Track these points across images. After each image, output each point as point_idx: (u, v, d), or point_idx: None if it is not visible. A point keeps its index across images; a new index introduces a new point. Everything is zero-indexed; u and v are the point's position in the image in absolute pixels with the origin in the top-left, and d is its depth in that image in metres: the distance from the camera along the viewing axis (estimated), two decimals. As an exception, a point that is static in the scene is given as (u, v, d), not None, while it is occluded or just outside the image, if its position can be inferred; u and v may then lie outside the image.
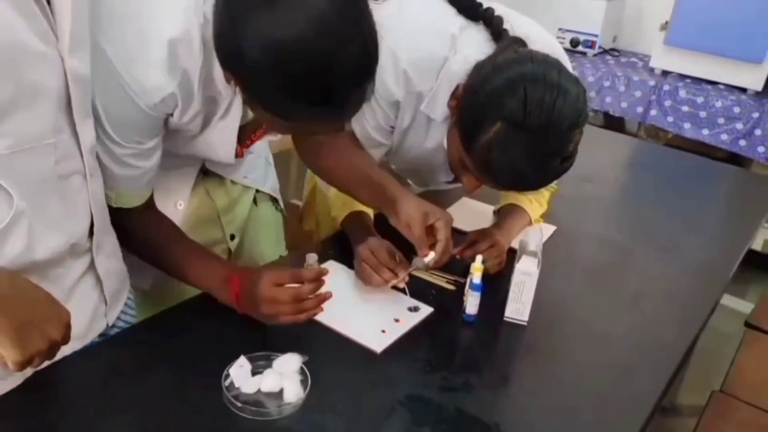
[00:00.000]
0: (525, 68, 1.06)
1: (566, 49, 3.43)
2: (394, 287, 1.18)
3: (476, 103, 1.09)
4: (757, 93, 2.91)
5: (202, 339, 1.03)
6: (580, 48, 3.26)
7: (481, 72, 1.11)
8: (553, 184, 1.47)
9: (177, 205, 1.23)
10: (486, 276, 1.16)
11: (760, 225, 1.80)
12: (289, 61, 0.78)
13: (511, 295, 1.15)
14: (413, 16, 1.24)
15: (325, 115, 0.86)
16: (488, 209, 1.52)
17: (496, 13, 1.21)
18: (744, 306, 2.65)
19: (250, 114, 1.06)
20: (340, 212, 1.34)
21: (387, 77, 1.19)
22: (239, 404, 0.89)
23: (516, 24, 1.21)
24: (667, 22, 3.01)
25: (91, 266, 0.94)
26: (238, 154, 1.11)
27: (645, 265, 1.44)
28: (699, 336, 1.27)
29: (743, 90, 2.94)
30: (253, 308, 1.01)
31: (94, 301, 0.97)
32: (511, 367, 1.11)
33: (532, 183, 1.14)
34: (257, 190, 1.40)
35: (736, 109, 2.85)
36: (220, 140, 1.06)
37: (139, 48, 0.87)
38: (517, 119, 1.02)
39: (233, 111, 1.02)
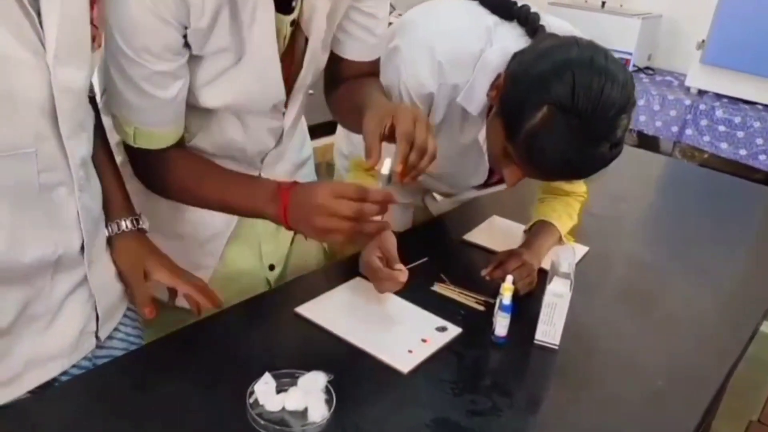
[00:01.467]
0: (571, 53, 1.03)
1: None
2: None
3: (521, 88, 1.06)
4: (796, 114, 2.85)
5: (227, 355, 1.03)
6: (613, 66, 3.21)
7: (524, 58, 1.10)
8: (584, 192, 1.45)
9: None
10: (516, 297, 1.13)
11: None
12: None
13: (542, 317, 1.12)
14: (447, 11, 1.24)
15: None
16: (518, 228, 1.49)
17: (532, 9, 1.20)
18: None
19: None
20: None
21: (421, 69, 1.18)
22: (263, 422, 0.88)
23: (551, 21, 1.21)
24: (703, 41, 2.96)
25: (84, 281, 0.94)
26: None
27: (679, 289, 1.40)
28: (737, 365, 1.22)
29: (783, 110, 2.88)
30: (305, 220, 0.94)
31: (85, 317, 0.95)
32: (540, 392, 1.08)
33: (579, 171, 1.09)
34: None
35: (776, 130, 2.79)
36: (261, 60, 1.01)
37: None
38: (566, 103, 0.99)
39: (262, 8, 0.96)
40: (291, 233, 1.33)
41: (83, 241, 0.90)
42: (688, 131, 2.97)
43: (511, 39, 1.18)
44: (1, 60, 0.73)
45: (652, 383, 1.08)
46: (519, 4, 1.22)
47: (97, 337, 0.98)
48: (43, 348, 0.89)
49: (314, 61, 1.11)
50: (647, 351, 1.17)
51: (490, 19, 1.22)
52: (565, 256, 1.16)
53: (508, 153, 1.10)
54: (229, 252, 1.24)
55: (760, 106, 2.92)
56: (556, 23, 1.22)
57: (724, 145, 2.90)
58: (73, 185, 0.86)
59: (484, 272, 1.27)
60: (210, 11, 0.92)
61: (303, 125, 1.36)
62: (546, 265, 1.28)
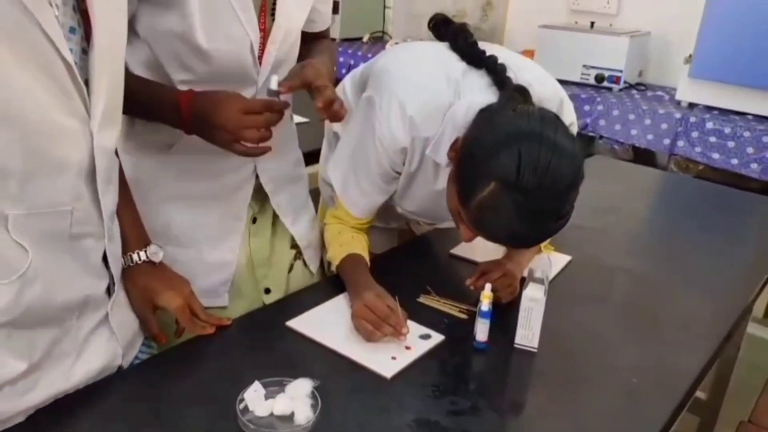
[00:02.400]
0: (521, 125, 1.08)
1: (591, 85, 3.45)
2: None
3: (472, 160, 1.11)
4: (786, 122, 2.90)
5: (222, 366, 1.09)
6: (605, 84, 3.28)
7: (478, 127, 1.14)
8: None
9: (236, 227, 1.31)
10: (498, 305, 1.19)
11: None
12: None
13: (520, 321, 1.18)
14: (418, 62, 1.30)
15: None
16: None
17: (499, 60, 1.25)
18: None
19: None
20: (336, 254, 1.36)
21: (394, 125, 1.24)
22: (252, 427, 0.94)
23: (518, 70, 1.25)
24: (691, 56, 3.03)
25: (105, 319, 1.00)
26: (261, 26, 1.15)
27: (662, 294, 1.45)
28: (714, 362, 1.27)
29: (772, 119, 2.93)
30: (208, 133, 1.10)
31: (109, 354, 1.02)
32: (519, 392, 1.14)
33: (526, 241, 1.16)
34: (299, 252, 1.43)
35: (765, 138, 2.83)
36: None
37: None
38: (511, 180, 1.03)
39: None
40: (286, 261, 1.41)
41: (109, 284, 0.98)
42: (680, 143, 3.02)
43: (477, 90, 1.23)
44: (51, 128, 0.81)
45: (628, 381, 1.13)
46: (488, 53, 1.27)
47: (120, 367, 1.06)
48: (69, 384, 0.96)
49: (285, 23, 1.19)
50: (626, 353, 1.22)
51: (459, 66, 1.27)
52: (539, 264, 1.22)
53: (462, 215, 1.15)
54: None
55: (749, 116, 2.98)
56: (525, 73, 1.26)
57: (716, 156, 2.94)
58: (103, 234, 0.94)
59: (468, 282, 1.32)
60: None
61: (293, 129, 1.43)
62: (526, 273, 1.34)
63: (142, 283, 1.08)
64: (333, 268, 1.37)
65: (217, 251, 1.29)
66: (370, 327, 1.15)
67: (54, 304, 0.89)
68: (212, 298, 1.28)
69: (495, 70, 1.25)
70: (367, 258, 1.35)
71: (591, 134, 3.23)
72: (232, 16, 1.09)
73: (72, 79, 0.81)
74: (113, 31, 0.88)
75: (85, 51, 0.85)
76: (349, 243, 1.36)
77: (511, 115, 1.12)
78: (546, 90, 1.28)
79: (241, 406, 0.97)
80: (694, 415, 2.10)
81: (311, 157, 1.73)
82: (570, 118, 1.30)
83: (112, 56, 0.88)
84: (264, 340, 1.17)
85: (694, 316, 1.37)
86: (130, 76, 1.01)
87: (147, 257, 1.09)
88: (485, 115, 1.16)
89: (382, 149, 1.28)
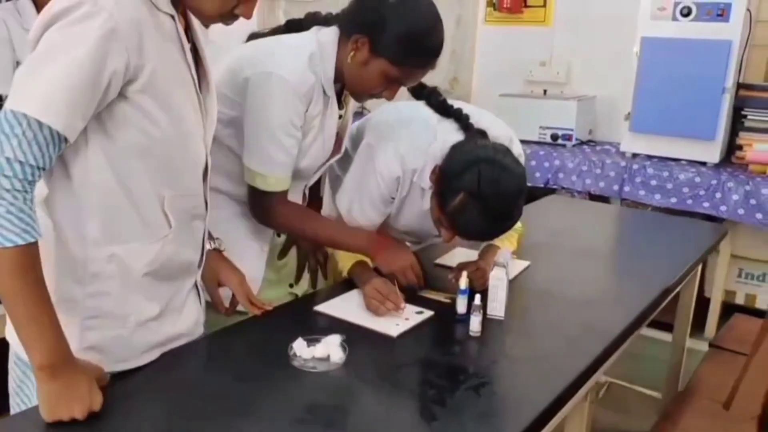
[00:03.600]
0: (480, 153, 1.55)
1: (548, 143, 3.94)
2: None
3: (446, 179, 1.56)
4: (714, 164, 3.39)
5: (273, 333, 1.47)
6: (559, 141, 3.79)
7: (451, 157, 1.60)
8: (520, 227, 1.94)
9: (262, 249, 1.71)
10: (472, 291, 1.60)
11: (687, 266, 2.15)
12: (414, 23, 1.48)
13: (489, 296, 1.58)
14: (403, 115, 1.77)
15: (425, 63, 1.53)
16: (475, 254, 1.96)
17: (464, 111, 1.74)
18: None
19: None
20: (346, 263, 1.75)
21: (390, 161, 1.68)
22: (301, 362, 1.32)
23: (477, 118, 1.74)
24: (629, 113, 3.55)
25: (194, 285, 1.39)
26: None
27: (590, 282, 1.87)
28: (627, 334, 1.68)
29: (702, 163, 3.43)
30: (390, 263, 1.65)
31: (197, 312, 1.41)
32: (490, 341, 1.52)
33: (489, 235, 1.63)
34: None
35: (698, 179, 3.32)
36: (327, 134, 1.63)
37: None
38: (474, 191, 1.49)
39: (333, 108, 1.63)
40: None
41: (201, 256, 1.36)
42: (627, 188, 3.49)
43: (450, 132, 1.70)
44: (190, 137, 1.22)
45: (570, 333, 1.54)
46: (455, 106, 1.75)
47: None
48: (176, 331, 1.33)
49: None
50: (566, 319, 1.63)
51: (434, 116, 1.75)
52: (502, 253, 1.64)
53: (442, 221, 1.60)
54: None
55: (683, 162, 3.48)
56: (483, 120, 1.74)
57: (657, 196, 3.41)
58: (205, 218, 1.34)
59: (450, 276, 1.74)
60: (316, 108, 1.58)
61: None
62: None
63: (212, 263, 1.47)
64: (345, 274, 1.78)
65: (244, 267, 1.68)
66: (376, 303, 1.55)
67: (176, 264, 1.27)
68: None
69: (460, 118, 1.72)
70: (370, 263, 1.76)
71: (552, 186, 3.71)
72: None
73: (199, 103, 1.24)
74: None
75: None
76: (355, 255, 1.77)
77: (473, 147, 1.58)
78: (500, 131, 1.74)
79: (291, 352, 1.36)
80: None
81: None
82: (518, 150, 1.76)
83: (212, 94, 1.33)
84: (299, 319, 1.55)
85: (614, 297, 1.79)
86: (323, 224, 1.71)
87: (217, 246, 1.49)
88: (455, 147, 1.61)
89: (382, 180, 1.71)
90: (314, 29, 1.62)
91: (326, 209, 2.05)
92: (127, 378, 1.24)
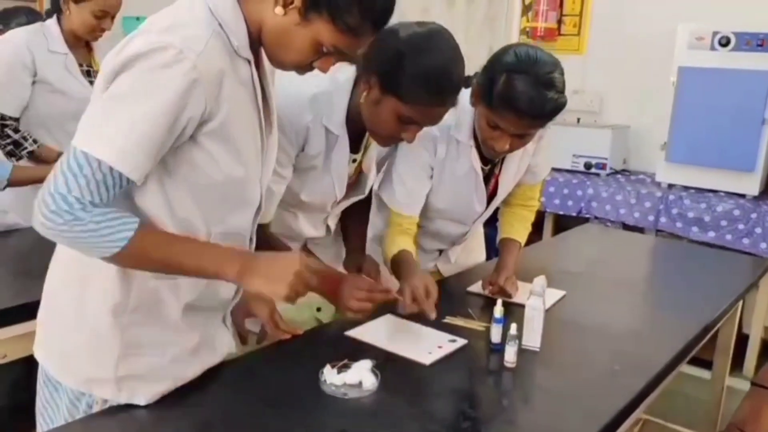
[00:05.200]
0: (510, 47, 1.63)
1: (581, 172, 3.88)
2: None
3: (486, 73, 1.61)
4: (754, 197, 3.31)
5: (305, 357, 1.44)
6: (593, 170, 3.74)
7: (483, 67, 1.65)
8: (537, 201, 2.02)
9: None
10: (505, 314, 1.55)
11: (729, 302, 2.05)
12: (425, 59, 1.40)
13: (525, 326, 1.53)
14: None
15: (438, 101, 1.43)
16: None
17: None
18: None
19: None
20: (390, 252, 1.77)
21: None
22: (332, 389, 1.28)
23: None
24: (665, 143, 3.49)
25: (224, 317, 1.36)
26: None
27: (629, 313, 1.81)
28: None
29: (742, 195, 3.34)
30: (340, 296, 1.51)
31: (229, 341, 1.38)
32: (526, 374, 1.47)
33: (541, 106, 1.55)
34: None
35: (737, 212, 3.23)
36: (337, 174, 1.57)
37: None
38: (514, 65, 1.55)
39: (343, 148, 1.56)
40: None
41: (237, 292, 1.33)
42: (663, 219, 3.42)
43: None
44: (249, 180, 1.20)
45: (611, 367, 1.48)
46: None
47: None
48: (214, 359, 1.32)
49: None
50: (605, 348, 1.57)
51: None
52: (538, 282, 1.59)
53: (494, 125, 1.61)
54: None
55: (722, 193, 3.39)
56: None
57: (695, 229, 3.33)
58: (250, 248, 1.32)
59: (485, 290, 1.77)
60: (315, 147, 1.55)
61: None
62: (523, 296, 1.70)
63: (242, 295, 1.44)
64: (388, 264, 1.78)
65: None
66: (406, 302, 1.54)
67: (215, 300, 1.26)
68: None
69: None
70: (413, 251, 1.75)
71: (585, 216, 3.64)
72: None
73: (261, 144, 1.22)
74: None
75: None
76: (398, 243, 1.76)
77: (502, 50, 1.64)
78: None
79: (322, 378, 1.32)
80: None
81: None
82: None
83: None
84: (329, 344, 1.52)
85: (652, 330, 1.74)
86: None
87: None
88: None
89: (422, 144, 1.72)
90: (336, 67, 1.58)
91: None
92: (159, 401, 1.22)
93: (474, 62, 1.64)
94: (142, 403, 1.19)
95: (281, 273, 1.13)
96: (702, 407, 2.53)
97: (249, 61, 1.15)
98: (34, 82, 2.36)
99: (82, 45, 2.49)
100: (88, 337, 1.17)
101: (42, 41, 2.38)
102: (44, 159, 2.36)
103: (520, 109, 1.57)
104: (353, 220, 1.86)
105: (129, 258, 1.06)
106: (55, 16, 2.42)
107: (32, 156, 2.36)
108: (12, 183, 2.14)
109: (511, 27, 4.49)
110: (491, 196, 1.93)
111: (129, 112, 1.01)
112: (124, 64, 1.02)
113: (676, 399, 2.65)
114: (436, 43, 1.44)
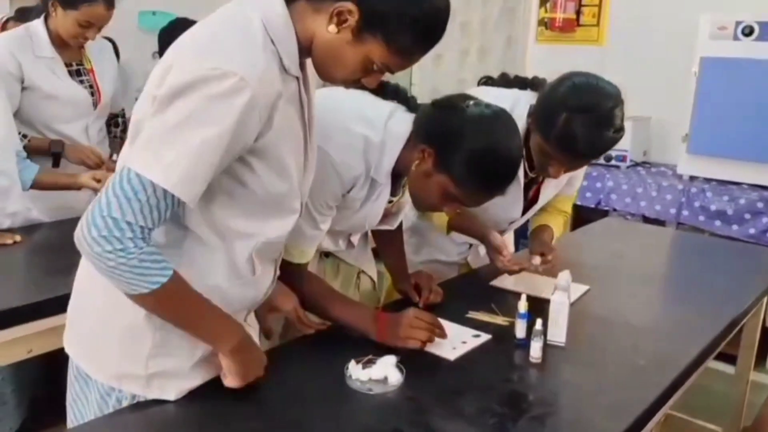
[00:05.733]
0: (567, 75, 1.60)
1: (601, 164, 3.82)
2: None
3: (543, 104, 1.61)
4: (778, 189, 3.26)
5: (332, 352, 1.43)
6: (613, 162, 3.70)
7: (540, 97, 1.64)
8: (569, 210, 2.07)
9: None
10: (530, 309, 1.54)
11: (755, 296, 2.02)
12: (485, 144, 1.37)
13: (550, 321, 1.52)
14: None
15: (490, 189, 1.43)
16: (530, 276, 1.91)
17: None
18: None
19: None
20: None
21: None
22: (358, 384, 1.28)
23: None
24: (687, 135, 3.45)
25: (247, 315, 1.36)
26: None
27: (652, 313, 1.79)
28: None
29: (765, 187, 3.29)
30: (393, 332, 1.44)
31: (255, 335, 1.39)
32: (550, 367, 1.46)
33: (601, 150, 1.57)
34: (361, 271, 1.85)
35: (760, 204, 3.19)
36: (372, 214, 1.55)
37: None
38: (574, 105, 1.51)
39: (383, 195, 1.52)
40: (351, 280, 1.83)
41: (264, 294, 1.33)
42: (685, 212, 3.38)
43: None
44: (291, 193, 1.19)
45: (637, 362, 1.46)
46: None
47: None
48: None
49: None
50: (629, 343, 1.55)
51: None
52: (563, 276, 1.57)
53: (549, 154, 1.61)
54: None
55: (745, 186, 3.35)
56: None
57: (717, 223, 3.29)
58: (280, 258, 1.32)
59: (534, 261, 1.82)
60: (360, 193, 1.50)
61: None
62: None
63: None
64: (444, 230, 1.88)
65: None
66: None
67: (246, 303, 1.27)
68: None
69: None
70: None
71: (604, 208, 3.61)
72: None
73: (304, 157, 1.22)
74: None
75: None
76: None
77: (559, 80, 1.64)
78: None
79: (347, 373, 1.32)
80: None
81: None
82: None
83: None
84: (355, 338, 1.52)
85: (679, 326, 1.71)
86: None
87: None
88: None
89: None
90: (390, 109, 1.49)
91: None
92: (185, 396, 1.22)
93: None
94: (172, 398, 1.20)
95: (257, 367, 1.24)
96: (726, 402, 2.51)
97: (297, 78, 1.15)
98: (23, 89, 2.34)
99: (71, 44, 2.45)
100: (121, 334, 1.17)
101: (27, 46, 2.35)
102: (35, 149, 2.34)
103: (579, 151, 1.56)
104: (385, 239, 1.83)
105: (147, 300, 1.06)
106: (42, 17, 2.40)
107: (26, 150, 2.28)
108: (34, 186, 2.17)
109: (530, 18, 4.45)
110: (530, 204, 1.92)
111: (188, 139, 1.00)
112: (181, 88, 1.01)
113: (699, 393, 2.61)
114: (497, 129, 1.40)
